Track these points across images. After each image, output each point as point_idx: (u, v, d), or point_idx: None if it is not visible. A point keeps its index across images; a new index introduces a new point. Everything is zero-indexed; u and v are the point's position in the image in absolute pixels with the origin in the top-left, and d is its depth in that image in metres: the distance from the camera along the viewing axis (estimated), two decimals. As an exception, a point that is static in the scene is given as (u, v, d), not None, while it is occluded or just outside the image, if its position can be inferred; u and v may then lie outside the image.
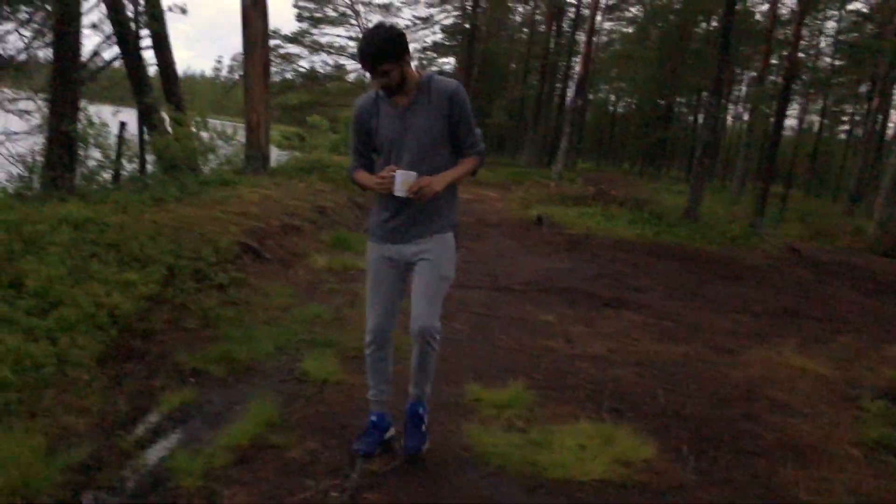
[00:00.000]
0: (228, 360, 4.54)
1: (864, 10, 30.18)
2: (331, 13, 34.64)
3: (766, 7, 29.55)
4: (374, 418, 3.43)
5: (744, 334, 6.48)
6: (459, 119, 3.09)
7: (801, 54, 19.49)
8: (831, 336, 6.72)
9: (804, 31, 25.72)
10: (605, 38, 47.54)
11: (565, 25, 39.65)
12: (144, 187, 8.16)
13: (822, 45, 36.59)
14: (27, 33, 12.54)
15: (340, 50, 35.11)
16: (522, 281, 7.79)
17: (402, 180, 2.97)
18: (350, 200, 12.16)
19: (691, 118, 48.83)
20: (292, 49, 33.91)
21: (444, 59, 39.67)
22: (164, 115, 10.68)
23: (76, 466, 3.14)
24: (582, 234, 12.05)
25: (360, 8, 34.68)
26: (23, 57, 12.69)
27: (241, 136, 12.75)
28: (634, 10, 43.60)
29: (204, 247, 6.14)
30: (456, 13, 36.48)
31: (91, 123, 8.52)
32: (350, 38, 35.47)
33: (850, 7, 31.36)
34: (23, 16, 12.15)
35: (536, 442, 3.64)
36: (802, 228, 17.27)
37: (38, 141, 12.53)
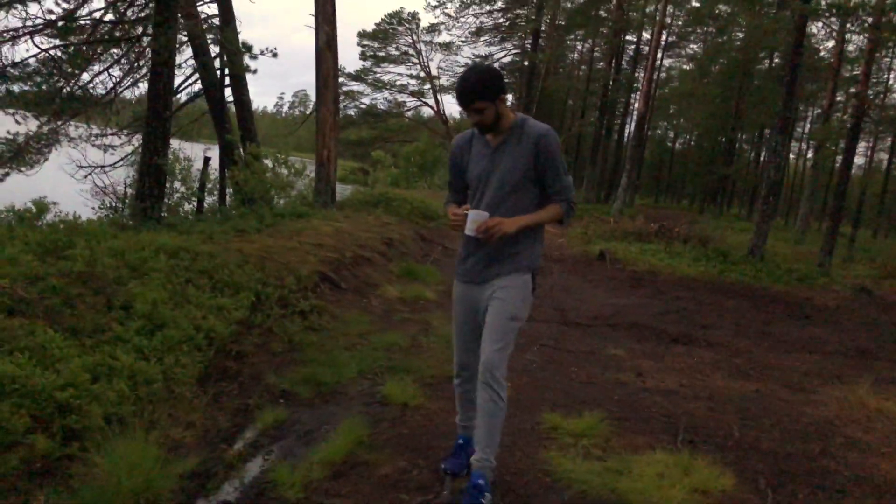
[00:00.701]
0: (314, 383, 4.80)
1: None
2: (393, 52, 35.66)
3: (831, 44, 29.16)
4: (461, 441, 3.52)
5: (816, 373, 6.42)
6: (546, 163, 3.09)
7: (869, 92, 19.14)
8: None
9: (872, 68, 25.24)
10: (663, 75, 47.48)
11: (624, 62, 39.82)
12: (226, 219, 8.59)
13: (891, 81, 35.78)
14: (116, 73, 13.45)
15: (402, 88, 36.01)
16: (590, 315, 7.88)
17: (473, 219, 3.03)
18: (415, 233, 12.47)
19: (752, 155, 48.10)
20: (355, 86, 34.97)
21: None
22: (242, 152, 11.22)
23: (188, 475, 3.41)
24: (645, 270, 12.05)
25: (422, 47, 35.59)
26: (110, 96, 13.57)
27: (310, 171, 13.29)
28: (695, 47, 43.51)
29: (286, 275, 6.46)
30: (515, 51, 37.09)
31: (177, 158, 9.03)
32: (411, 75, 36.36)
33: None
34: (111, 57, 13.03)
35: (615, 470, 3.74)
36: (872, 269, 16.81)
37: (118, 174, 13.33)
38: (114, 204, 9.38)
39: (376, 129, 35.28)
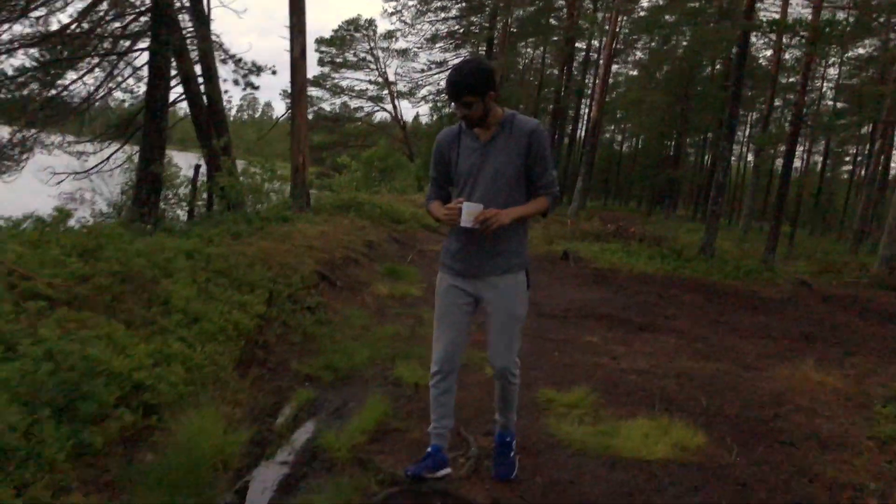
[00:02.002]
0: (332, 368, 5.36)
1: (865, 56, 31.36)
2: (351, 58, 36.11)
3: (769, 52, 30.77)
4: (430, 449, 3.50)
5: (766, 355, 7.23)
6: (536, 157, 3.14)
7: (805, 97, 20.48)
8: (844, 357, 7.48)
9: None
10: (611, 80, 48.93)
11: (574, 69, 40.98)
12: (217, 223, 9.04)
13: (825, 89, 37.82)
14: (90, 81, 13.67)
15: (361, 93, 36.48)
16: (562, 309, 8.59)
17: (468, 211, 3.04)
18: (389, 236, 13.03)
19: (697, 158, 49.95)
20: (314, 92, 35.27)
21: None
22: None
23: (247, 443, 3.95)
24: (607, 268, 12.88)
25: (379, 53, 36.14)
26: (85, 104, 13.78)
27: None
28: (640, 54, 45.02)
29: (291, 274, 6.98)
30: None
31: (169, 165, 9.42)
32: (370, 81, 36.85)
33: (851, 54, 32.57)
34: (86, 66, 13.25)
35: (606, 432, 4.40)
36: (811, 264, 18.05)
37: (85, 182, 13.50)
38: (106, 210, 9.67)
39: (335, 133, 35.71)
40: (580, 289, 10.44)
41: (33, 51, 10.84)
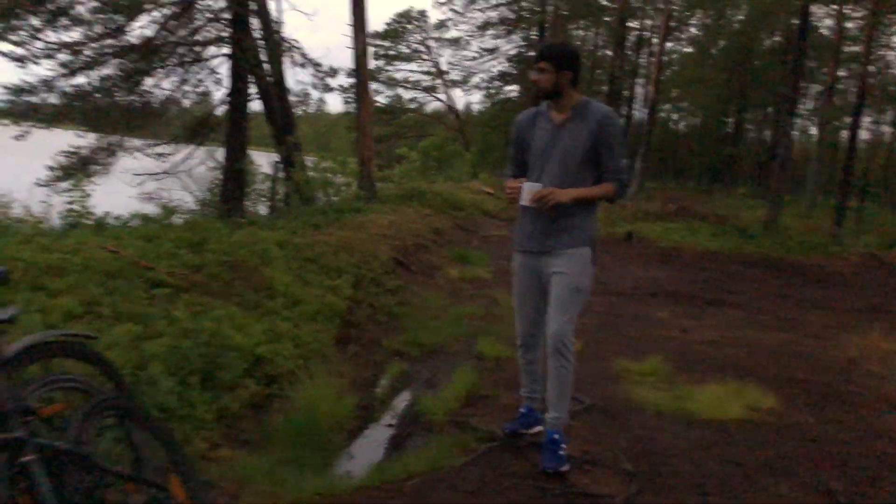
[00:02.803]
0: (418, 344, 5.80)
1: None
2: (404, 50, 36.58)
3: (830, 22, 29.91)
4: (523, 410, 3.73)
5: (834, 326, 7.37)
6: (605, 143, 3.23)
7: (871, 68, 19.99)
8: (915, 327, 7.54)
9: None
10: (664, 58, 48.20)
11: (627, 49, 40.56)
12: (297, 216, 9.59)
13: (890, 56, 36.47)
14: (168, 86, 14.41)
15: (414, 84, 36.97)
16: (630, 287, 8.85)
17: (528, 190, 3.19)
18: (453, 223, 13.44)
19: (757, 134, 48.82)
20: (370, 85, 35.84)
21: (510, 87, 40.92)
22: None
23: (354, 408, 4.41)
24: (671, 247, 13.03)
25: (432, 43, 36.52)
26: (164, 109, 14.55)
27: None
28: (694, 30, 44.22)
29: (371, 260, 7.45)
30: (522, 44, 37.88)
31: (252, 163, 10.02)
32: (423, 72, 37.27)
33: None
34: (164, 73, 13.99)
35: (681, 396, 4.70)
36: (880, 237, 17.73)
37: (170, 181, 14.26)
38: (191, 206, 10.34)
39: (391, 125, 36.30)
40: (646, 268, 10.66)
41: (121, 60, 11.59)
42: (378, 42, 35.62)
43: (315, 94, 12.33)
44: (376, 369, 5.24)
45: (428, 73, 37.17)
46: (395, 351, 5.64)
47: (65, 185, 12.40)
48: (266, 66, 11.61)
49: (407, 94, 38.04)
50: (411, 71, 37.26)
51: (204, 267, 5.39)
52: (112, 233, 6.07)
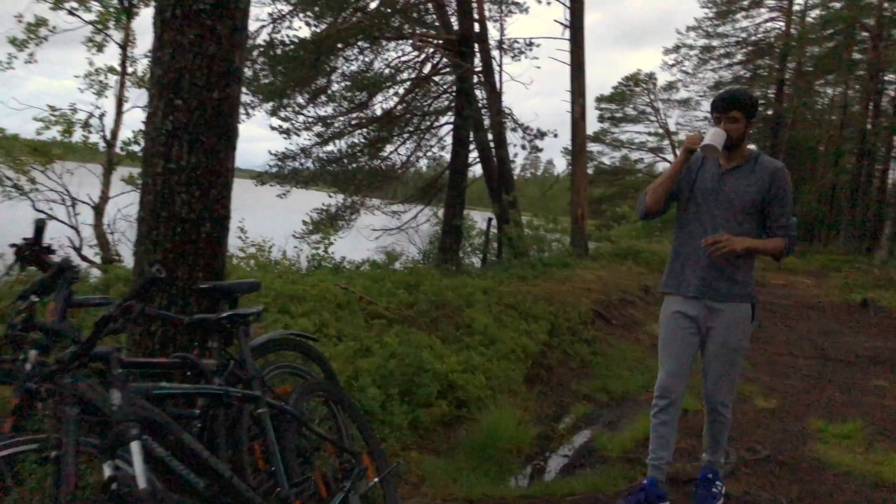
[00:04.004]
0: (606, 391, 6.05)
1: None
2: (630, 112, 36.78)
3: None
4: (645, 482, 3.41)
5: None
6: (776, 196, 3.12)
7: None
8: None
9: None
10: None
11: (885, 103, 36.98)
12: (506, 269, 10.28)
13: None
14: (403, 152, 16.13)
15: (640, 145, 36.92)
16: (850, 354, 8.26)
17: (714, 133, 3.04)
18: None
19: None
20: (593, 147, 36.48)
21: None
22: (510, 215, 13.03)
23: (534, 438, 4.82)
24: (913, 318, 11.73)
25: (659, 105, 36.32)
26: (399, 172, 16.25)
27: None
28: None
29: (570, 311, 7.84)
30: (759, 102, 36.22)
31: (468, 220, 10.98)
32: (649, 133, 37.10)
33: None
34: (401, 140, 15.71)
35: (876, 461, 4.48)
36: None
37: (401, 236, 15.79)
38: (414, 257, 11.52)
39: (614, 185, 36.43)
40: (876, 337, 9.77)
41: (363, 130, 13.37)
42: (604, 105, 36.21)
43: (522, 154, 13.13)
44: (561, 409, 5.60)
45: (655, 133, 36.91)
46: (583, 395, 5.96)
47: (315, 237, 14.41)
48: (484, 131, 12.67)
49: (633, 155, 38.00)
50: (637, 132, 37.23)
51: (415, 305, 6.18)
52: (346, 274, 7.15)
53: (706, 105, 37.18)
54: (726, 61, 35.47)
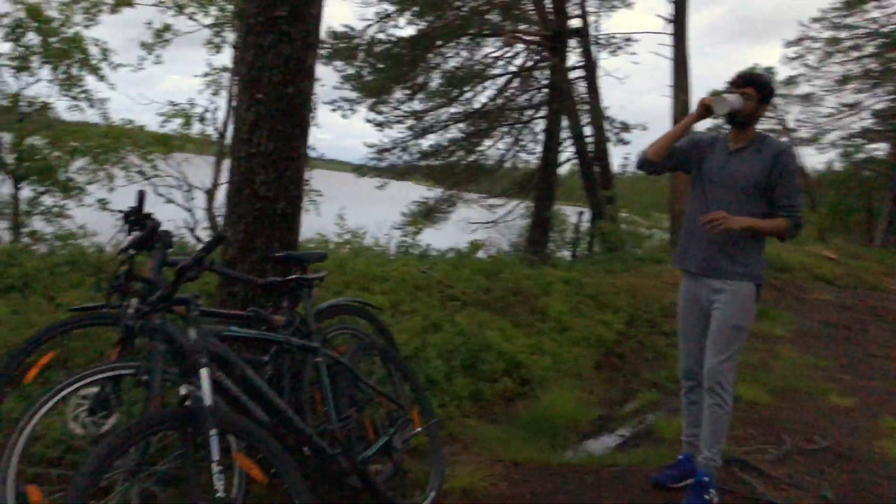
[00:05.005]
0: (676, 380, 6.10)
1: None
2: (746, 107, 35.26)
3: None
4: (680, 457, 3.61)
5: None
6: (780, 178, 3.14)
7: None
8: None
9: None
10: None
11: None
12: (595, 262, 10.38)
13: None
14: (501, 146, 16.42)
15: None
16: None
17: (735, 96, 3.12)
18: (768, 283, 12.94)
19: None
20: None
21: (874, 146, 36.70)
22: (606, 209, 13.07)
23: (594, 419, 5.03)
24: None
25: (778, 100, 34.61)
26: (497, 166, 16.56)
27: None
28: None
29: (652, 304, 7.90)
30: (889, 97, 33.90)
31: (557, 213, 11.16)
32: (765, 130, 35.49)
33: None
34: (499, 134, 16.02)
35: (949, 460, 4.41)
36: None
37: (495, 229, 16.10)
38: (506, 249, 11.80)
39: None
40: None
41: (460, 125, 13.78)
42: (718, 101, 34.93)
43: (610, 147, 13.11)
44: (627, 395, 5.76)
45: (771, 130, 35.23)
46: (652, 382, 6.07)
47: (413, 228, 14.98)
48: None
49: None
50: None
51: (491, 290, 6.49)
52: (430, 260, 7.55)
53: (831, 100, 35.14)
54: (854, 54, 33.28)
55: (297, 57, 3.09)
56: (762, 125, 3.33)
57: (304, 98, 3.17)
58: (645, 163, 3.38)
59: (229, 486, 2.32)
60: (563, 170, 17.80)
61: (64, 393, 2.32)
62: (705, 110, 3.20)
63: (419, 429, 3.20)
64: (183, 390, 2.22)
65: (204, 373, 2.23)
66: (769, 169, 3.13)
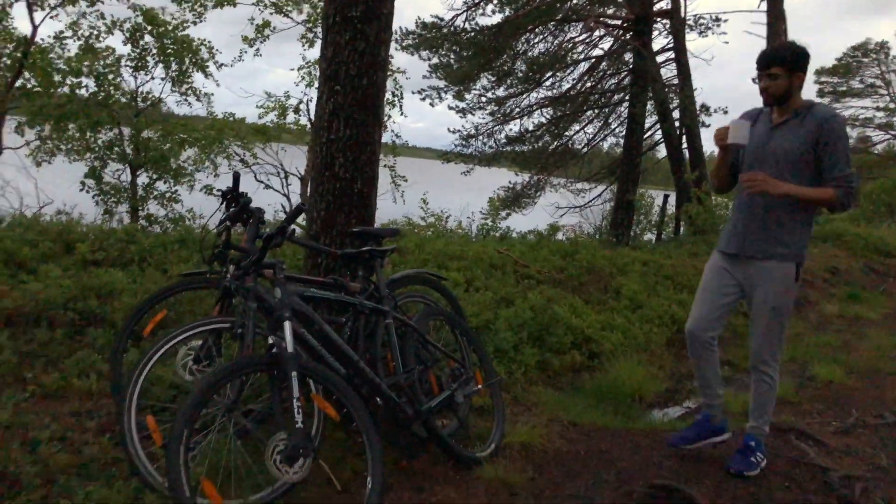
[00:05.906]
0: (748, 358, 6.14)
1: None
2: (857, 85, 33.43)
3: None
4: (699, 417, 3.68)
5: None
6: (826, 146, 3.04)
7: None
8: None
9: None
10: None
11: None
12: (680, 245, 10.35)
13: None
14: (590, 130, 16.41)
15: (866, 121, 33.45)
16: None
17: (734, 126, 3.09)
18: (866, 266, 12.46)
19: None
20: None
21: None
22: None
23: (662, 391, 5.20)
24: None
25: (892, 77, 32.62)
26: (585, 150, 16.56)
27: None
28: None
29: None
30: None
31: (642, 196, 11.16)
32: (877, 108, 33.51)
33: None
34: (587, 119, 16.01)
35: None
36: None
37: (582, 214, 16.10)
38: (589, 231, 11.91)
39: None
40: None
41: (547, 110, 13.91)
42: (825, 78, 33.26)
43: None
44: (699, 370, 5.87)
45: (885, 108, 33.20)
46: (726, 360, 6.13)
47: (503, 213, 15.24)
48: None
49: (854, 132, 34.53)
50: (864, 108, 33.73)
51: (566, 269, 6.72)
52: (508, 241, 7.84)
53: (953, 75, 32.75)
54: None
55: (370, 52, 3.45)
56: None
57: (377, 89, 3.53)
58: (717, 191, 3.63)
59: (309, 423, 2.73)
60: (658, 153, 17.66)
61: (173, 342, 2.78)
62: (725, 151, 3.28)
63: (480, 386, 3.53)
64: (270, 340, 2.63)
65: (287, 325, 2.63)
66: (814, 139, 3.05)
